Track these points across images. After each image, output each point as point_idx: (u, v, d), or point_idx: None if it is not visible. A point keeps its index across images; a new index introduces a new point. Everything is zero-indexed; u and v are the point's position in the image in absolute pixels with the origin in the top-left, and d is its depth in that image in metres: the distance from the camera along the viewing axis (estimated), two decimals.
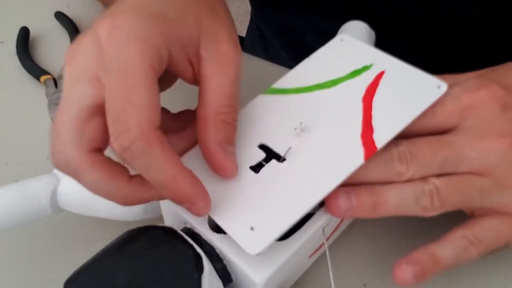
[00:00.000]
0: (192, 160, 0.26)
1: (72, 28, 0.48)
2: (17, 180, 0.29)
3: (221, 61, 0.25)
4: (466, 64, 0.45)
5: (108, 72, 0.23)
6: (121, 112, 0.22)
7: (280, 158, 0.26)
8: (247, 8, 0.57)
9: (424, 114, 0.27)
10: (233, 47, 0.26)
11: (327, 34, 0.36)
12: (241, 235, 0.23)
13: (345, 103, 0.28)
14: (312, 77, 0.30)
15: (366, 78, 0.29)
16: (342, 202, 0.26)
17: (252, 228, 0.24)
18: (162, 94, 0.27)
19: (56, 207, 0.29)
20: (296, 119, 0.27)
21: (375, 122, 0.27)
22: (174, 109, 0.30)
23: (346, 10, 0.44)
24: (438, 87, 0.28)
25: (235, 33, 0.28)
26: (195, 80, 0.26)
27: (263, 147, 0.27)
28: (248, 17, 0.64)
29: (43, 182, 0.28)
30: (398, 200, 0.26)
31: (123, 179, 0.24)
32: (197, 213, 0.24)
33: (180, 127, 0.27)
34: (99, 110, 0.23)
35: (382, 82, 0.29)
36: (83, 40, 0.24)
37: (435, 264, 0.26)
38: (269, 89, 0.30)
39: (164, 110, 0.29)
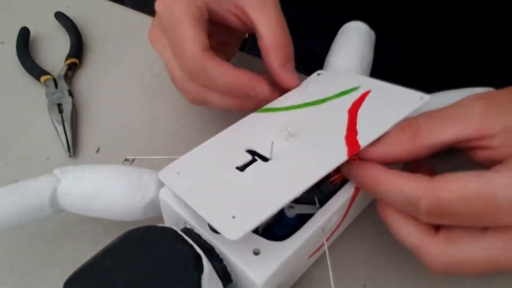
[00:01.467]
0: (188, 163, 0.28)
1: (72, 28, 0.48)
2: (16, 180, 0.29)
3: (260, 5, 0.32)
4: (468, 64, 0.45)
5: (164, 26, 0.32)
6: (178, 48, 0.31)
7: (265, 160, 0.27)
8: None
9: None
10: None
11: (327, 31, 0.36)
12: (221, 222, 0.23)
13: (332, 114, 0.30)
14: (301, 98, 0.32)
15: (353, 96, 0.31)
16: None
17: (233, 217, 0.24)
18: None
19: (56, 207, 0.29)
20: (284, 127, 0.29)
21: (359, 127, 0.28)
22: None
23: (346, 7, 0.44)
24: (421, 98, 0.29)
25: None
26: (245, 27, 0.33)
27: (250, 152, 0.28)
28: None
29: (43, 182, 0.28)
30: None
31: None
32: (264, 95, 0.31)
33: None
34: None
35: (368, 98, 0.30)
36: None
37: None
38: (261, 109, 0.32)
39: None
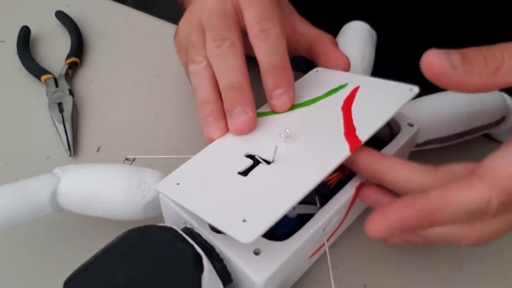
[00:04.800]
0: (186, 173, 0.28)
1: (73, 27, 0.48)
2: (17, 179, 0.29)
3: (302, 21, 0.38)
4: None
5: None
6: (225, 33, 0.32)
7: (267, 163, 0.27)
8: None
9: None
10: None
11: (325, 29, 0.37)
12: (233, 227, 0.23)
13: (326, 113, 0.30)
14: None
15: (343, 93, 0.31)
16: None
17: (244, 221, 0.24)
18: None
19: (56, 207, 0.29)
20: (281, 130, 0.29)
21: (356, 123, 0.28)
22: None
23: (346, 6, 0.44)
24: (411, 90, 0.29)
25: None
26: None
27: (250, 156, 0.28)
28: None
29: (43, 181, 0.28)
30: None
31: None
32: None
33: None
34: None
35: (358, 93, 0.30)
36: None
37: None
38: None
39: None
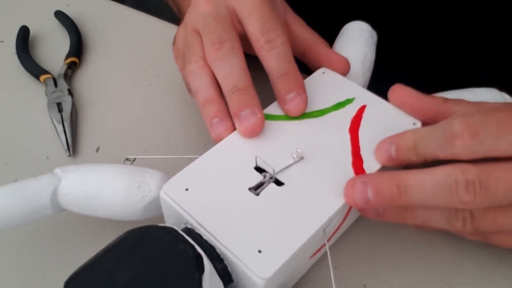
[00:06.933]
0: (194, 177, 0.28)
1: (72, 27, 0.48)
2: (16, 180, 0.29)
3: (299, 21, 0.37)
4: (466, 60, 0.45)
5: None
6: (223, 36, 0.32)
7: (277, 182, 0.28)
8: None
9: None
10: None
11: (329, 28, 0.37)
12: (249, 258, 0.24)
13: (334, 133, 0.30)
14: None
15: (350, 111, 0.32)
16: (358, 195, 0.26)
17: (260, 251, 0.24)
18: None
19: (56, 207, 0.29)
20: (291, 145, 0.29)
21: (363, 153, 0.29)
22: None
23: (343, 4, 0.45)
24: (414, 123, 0.30)
25: None
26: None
27: (259, 170, 0.28)
28: None
29: (44, 182, 0.28)
30: (426, 192, 0.24)
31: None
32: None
33: None
34: None
35: (364, 115, 0.31)
36: None
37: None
38: None
39: None
